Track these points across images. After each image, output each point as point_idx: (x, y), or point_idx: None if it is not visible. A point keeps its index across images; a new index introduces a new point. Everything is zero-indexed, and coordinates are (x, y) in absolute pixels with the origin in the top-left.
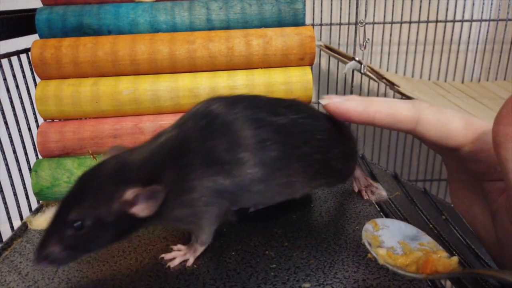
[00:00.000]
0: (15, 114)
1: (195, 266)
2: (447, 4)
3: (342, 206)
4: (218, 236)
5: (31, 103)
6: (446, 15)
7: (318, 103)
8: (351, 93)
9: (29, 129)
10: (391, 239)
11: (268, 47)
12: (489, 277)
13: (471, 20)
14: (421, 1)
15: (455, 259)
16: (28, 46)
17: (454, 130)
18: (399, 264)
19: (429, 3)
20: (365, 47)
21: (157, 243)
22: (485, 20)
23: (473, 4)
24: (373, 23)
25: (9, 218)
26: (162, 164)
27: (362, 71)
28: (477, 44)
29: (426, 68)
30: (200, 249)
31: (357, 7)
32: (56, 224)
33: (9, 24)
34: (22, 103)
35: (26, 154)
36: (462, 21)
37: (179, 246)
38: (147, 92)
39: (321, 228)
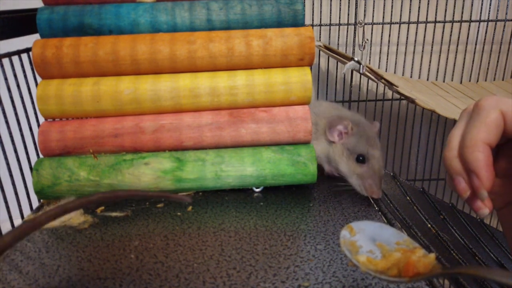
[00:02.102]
0: (16, 114)
1: (195, 264)
2: (446, 5)
3: (341, 206)
4: (217, 235)
5: (32, 103)
6: (445, 16)
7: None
8: (350, 93)
9: (30, 128)
10: (368, 242)
11: (268, 48)
12: (469, 275)
13: (469, 21)
14: (419, 2)
15: (432, 256)
16: (29, 46)
17: None
18: (380, 269)
19: (428, 4)
20: (364, 48)
21: (157, 241)
22: (484, 21)
23: (472, 5)
24: (372, 23)
25: (10, 217)
26: None
27: (361, 71)
28: (476, 44)
29: (424, 68)
30: None
31: (356, 8)
32: None
33: (10, 23)
34: (23, 102)
35: (27, 153)
36: (460, 21)
37: None
38: (147, 92)
39: (320, 227)
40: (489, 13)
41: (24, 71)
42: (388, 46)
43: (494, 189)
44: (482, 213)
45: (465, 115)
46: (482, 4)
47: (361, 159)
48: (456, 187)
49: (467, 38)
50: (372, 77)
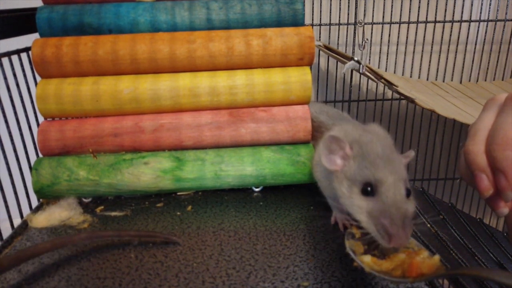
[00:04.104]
0: (15, 113)
1: (194, 264)
2: (446, 4)
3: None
4: (217, 234)
5: (32, 102)
6: (445, 16)
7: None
8: (350, 93)
9: (30, 128)
10: (373, 243)
11: (267, 47)
12: (472, 276)
13: (469, 21)
14: (419, 2)
15: (436, 258)
16: (28, 45)
17: None
18: (384, 269)
19: (428, 3)
20: (364, 47)
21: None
22: (484, 21)
23: (472, 5)
24: (372, 23)
25: (10, 216)
26: None
27: (361, 71)
28: (475, 44)
29: (424, 68)
30: None
31: (356, 8)
32: None
33: (9, 22)
34: (22, 101)
35: (26, 152)
36: (460, 21)
37: None
38: (147, 91)
39: (319, 227)
40: (489, 13)
41: (23, 71)
42: (388, 46)
43: None
44: (502, 212)
45: (493, 107)
46: (482, 4)
47: (369, 190)
48: (478, 185)
49: (467, 38)
50: (372, 77)
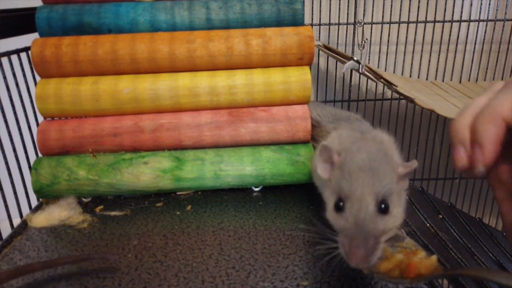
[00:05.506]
0: (15, 113)
1: (194, 264)
2: (445, 4)
3: None
4: (216, 234)
5: (31, 102)
6: (444, 15)
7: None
8: (350, 93)
9: (29, 128)
10: None
11: (267, 47)
12: (470, 276)
13: (469, 20)
14: (419, 1)
15: (434, 258)
16: (28, 45)
17: None
18: (382, 270)
19: (427, 3)
20: (363, 47)
21: (156, 241)
22: (483, 21)
23: (471, 5)
24: (372, 23)
25: (9, 216)
26: None
27: (360, 71)
28: (475, 44)
29: (424, 68)
30: None
31: (355, 7)
32: None
33: (9, 22)
34: (22, 101)
35: (26, 152)
36: (460, 21)
37: None
38: (147, 91)
39: (319, 226)
40: (488, 13)
41: (23, 70)
42: (388, 45)
43: (503, 177)
44: (479, 171)
45: (490, 91)
46: (481, 4)
47: (341, 204)
48: (453, 156)
49: (466, 37)
50: (372, 76)
